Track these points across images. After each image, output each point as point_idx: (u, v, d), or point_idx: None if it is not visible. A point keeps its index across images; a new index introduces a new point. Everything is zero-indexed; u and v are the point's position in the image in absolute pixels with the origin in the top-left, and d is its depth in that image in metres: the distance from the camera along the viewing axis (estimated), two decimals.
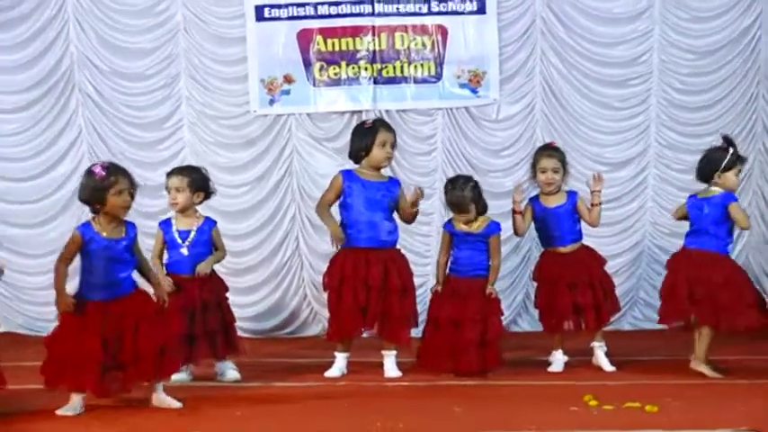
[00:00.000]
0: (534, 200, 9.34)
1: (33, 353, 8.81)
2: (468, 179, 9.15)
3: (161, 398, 7.86)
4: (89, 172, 7.74)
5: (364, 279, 8.90)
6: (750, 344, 10.18)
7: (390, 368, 8.99)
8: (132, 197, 7.82)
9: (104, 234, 7.66)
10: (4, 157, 11.08)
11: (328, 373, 8.94)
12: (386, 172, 9.24)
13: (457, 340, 8.88)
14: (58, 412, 7.59)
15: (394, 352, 9.02)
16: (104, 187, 7.61)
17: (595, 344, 9.23)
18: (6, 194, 10.98)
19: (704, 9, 11.26)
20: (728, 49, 11.26)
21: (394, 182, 9.24)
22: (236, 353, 9.02)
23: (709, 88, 11.31)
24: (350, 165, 9.22)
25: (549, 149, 9.45)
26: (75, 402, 7.66)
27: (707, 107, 11.31)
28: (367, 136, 9.06)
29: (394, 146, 9.16)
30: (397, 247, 9.14)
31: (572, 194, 9.32)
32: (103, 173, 7.66)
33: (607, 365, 9.13)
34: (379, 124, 9.23)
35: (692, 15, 11.26)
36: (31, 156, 11.14)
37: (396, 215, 9.10)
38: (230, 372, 8.92)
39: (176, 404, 7.81)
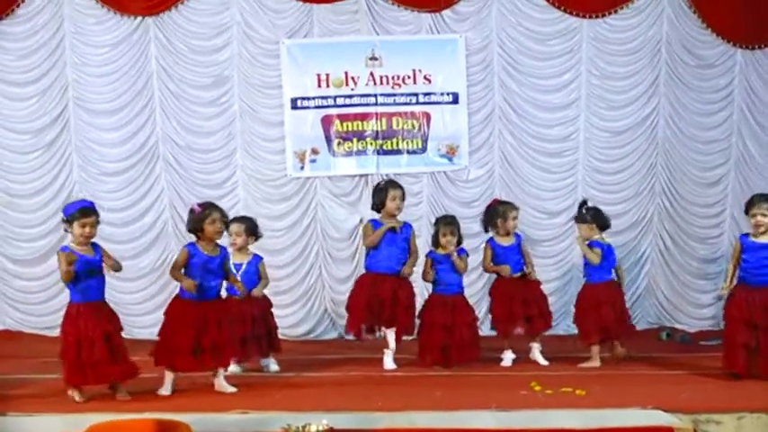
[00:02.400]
0: (492, 240, 9.44)
1: (133, 351, 8.91)
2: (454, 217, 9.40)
3: (221, 383, 7.97)
4: (190, 210, 8.03)
5: (380, 295, 9.01)
6: (658, 344, 10.36)
7: (388, 362, 9.08)
8: (225, 225, 8.14)
9: (205, 252, 7.81)
10: (106, 208, 10.78)
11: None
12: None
13: (450, 341, 8.98)
14: (159, 391, 7.77)
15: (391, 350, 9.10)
16: (201, 219, 7.83)
17: (534, 344, 9.31)
18: (109, 236, 10.74)
19: (617, 101, 11.30)
20: (634, 129, 11.33)
21: (407, 226, 9.29)
22: (278, 351, 9.14)
23: (620, 158, 11.36)
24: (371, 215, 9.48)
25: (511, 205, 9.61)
26: (167, 382, 7.80)
27: (619, 172, 11.37)
28: (381, 193, 9.20)
29: (403, 198, 9.23)
30: None
31: (518, 236, 9.47)
32: (199, 208, 7.88)
33: (542, 360, 9.21)
34: (389, 184, 9.30)
35: (608, 105, 11.30)
36: (126, 207, 11.06)
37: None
38: (272, 365, 9.04)
39: (232, 389, 7.90)
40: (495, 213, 9.45)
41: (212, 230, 7.88)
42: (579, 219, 9.39)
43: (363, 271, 9.32)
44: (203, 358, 7.84)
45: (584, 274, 9.41)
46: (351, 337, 9.38)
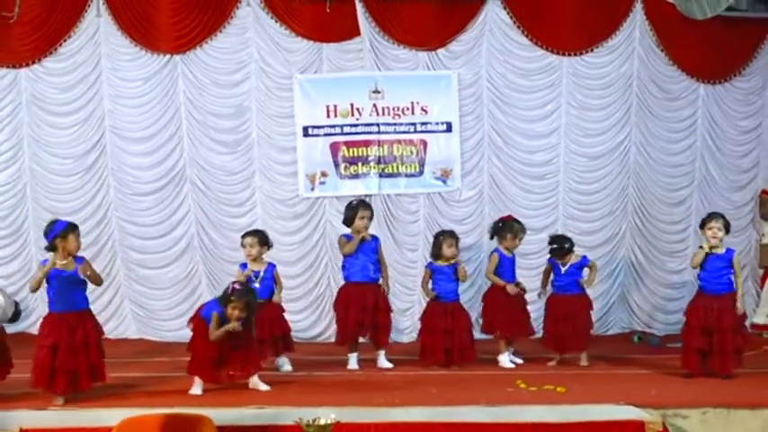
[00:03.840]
0: (499, 251, 9.51)
1: (162, 353, 8.93)
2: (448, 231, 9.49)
3: (256, 382, 7.99)
4: (225, 290, 7.98)
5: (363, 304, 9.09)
6: (630, 346, 10.35)
7: (382, 361, 9.13)
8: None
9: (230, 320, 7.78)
10: (139, 224, 10.90)
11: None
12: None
13: (451, 344, 9.00)
14: (190, 391, 7.76)
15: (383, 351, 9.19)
16: (228, 299, 7.82)
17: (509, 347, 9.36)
18: (141, 248, 10.89)
19: (593, 129, 11.22)
20: (609, 155, 11.28)
21: (376, 238, 9.42)
22: (291, 351, 9.12)
23: (596, 180, 11.30)
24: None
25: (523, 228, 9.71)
26: (198, 384, 7.78)
27: (595, 193, 11.29)
28: (352, 211, 9.34)
29: (371, 218, 9.40)
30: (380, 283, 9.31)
31: (513, 253, 9.57)
32: (231, 289, 7.88)
33: (517, 360, 9.28)
34: (360, 204, 9.46)
35: (585, 133, 11.22)
36: (156, 223, 10.97)
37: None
38: (286, 365, 9.03)
39: (265, 387, 7.93)
40: (510, 228, 9.55)
41: (233, 315, 7.81)
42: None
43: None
44: (231, 370, 7.85)
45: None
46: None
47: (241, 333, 7.81)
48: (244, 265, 9.00)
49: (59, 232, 7.50)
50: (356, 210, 9.28)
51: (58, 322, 7.43)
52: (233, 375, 7.91)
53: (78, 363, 7.38)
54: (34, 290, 7.67)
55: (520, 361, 9.23)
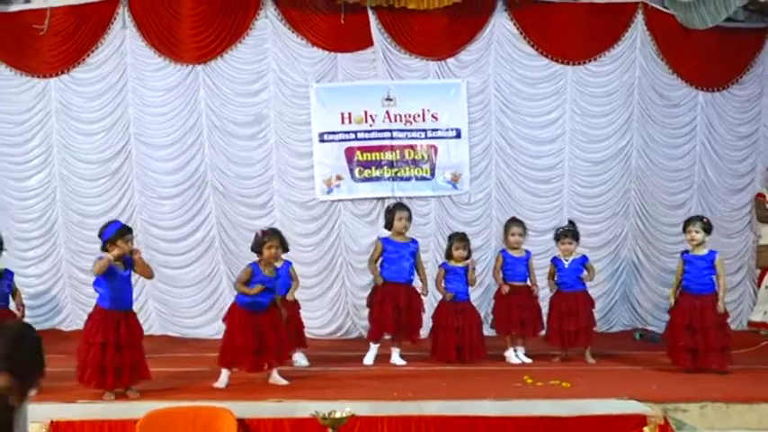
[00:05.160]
0: (504, 251, 9.51)
1: (185, 348, 8.95)
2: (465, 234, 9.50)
3: (276, 377, 7.98)
4: (255, 234, 8.06)
5: (397, 303, 9.05)
6: (632, 343, 10.35)
7: (396, 358, 9.10)
8: (284, 250, 8.18)
9: (265, 272, 7.83)
10: (163, 226, 10.94)
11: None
12: None
13: (462, 341, 9.02)
14: (214, 385, 7.75)
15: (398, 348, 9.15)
16: (261, 243, 7.85)
17: (519, 347, 9.34)
18: (164, 249, 10.90)
19: (596, 135, 11.28)
20: (611, 159, 11.33)
21: (414, 241, 9.40)
22: (304, 347, 9.11)
23: (599, 184, 11.35)
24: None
25: (516, 221, 9.69)
26: (224, 377, 7.80)
27: (598, 196, 11.35)
28: (390, 214, 9.32)
29: (409, 219, 9.33)
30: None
31: (527, 252, 9.55)
32: (260, 234, 7.93)
33: (525, 359, 9.24)
34: (397, 207, 9.45)
35: (588, 139, 11.28)
36: (179, 226, 11.00)
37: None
38: (302, 361, 9.04)
39: (285, 381, 7.92)
40: (505, 228, 9.67)
41: (268, 255, 7.91)
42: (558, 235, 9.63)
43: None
44: (265, 359, 7.87)
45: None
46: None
47: (277, 322, 7.91)
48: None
49: (112, 235, 7.47)
50: (393, 212, 9.31)
51: (106, 320, 7.40)
52: (270, 364, 7.92)
53: (124, 360, 7.36)
54: (98, 274, 7.47)
55: (529, 361, 9.20)
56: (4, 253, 8.86)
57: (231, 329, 7.91)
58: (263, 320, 7.85)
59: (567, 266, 9.35)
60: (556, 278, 9.44)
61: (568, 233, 9.45)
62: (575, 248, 9.43)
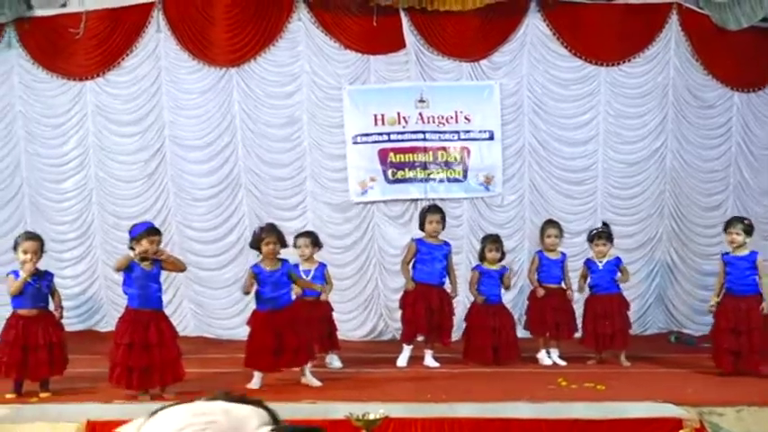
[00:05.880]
0: (540, 252, 9.51)
1: (219, 350, 8.97)
2: (493, 236, 9.49)
3: (309, 378, 8.01)
4: (253, 232, 8.21)
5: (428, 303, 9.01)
6: (668, 346, 10.26)
7: (429, 360, 9.07)
8: (281, 245, 8.11)
9: (267, 269, 7.85)
10: (197, 228, 11.02)
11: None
12: None
13: (498, 342, 9.01)
14: (248, 386, 7.80)
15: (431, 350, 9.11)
16: (259, 240, 7.91)
17: (553, 349, 9.30)
18: (198, 251, 10.96)
19: (630, 137, 11.19)
20: (646, 161, 11.23)
21: (447, 244, 9.37)
22: (337, 349, 9.12)
23: (634, 186, 11.25)
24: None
25: (553, 222, 9.66)
26: (257, 379, 7.84)
27: (633, 198, 11.25)
28: (423, 217, 9.31)
29: (441, 221, 9.29)
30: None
31: (563, 254, 9.54)
32: (258, 231, 8.06)
33: (559, 362, 9.19)
34: (429, 209, 9.44)
35: (622, 140, 11.19)
36: (213, 228, 11.04)
37: None
38: (336, 362, 9.09)
39: (317, 383, 7.95)
40: (541, 230, 9.65)
41: (266, 251, 7.98)
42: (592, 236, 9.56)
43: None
44: (284, 359, 7.87)
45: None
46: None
47: (296, 325, 7.90)
48: (297, 266, 8.94)
49: (139, 233, 7.58)
50: (425, 215, 9.32)
51: (134, 320, 7.50)
52: (288, 363, 7.94)
53: (153, 360, 7.41)
54: (118, 270, 7.72)
55: (563, 363, 9.15)
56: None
57: (251, 331, 8.03)
58: (282, 320, 7.88)
59: (600, 268, 9.29)
60: (589, 280, 9.38)
61: (602, 234, 9.40)
62: (608, 250, 9.38)
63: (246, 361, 7.96)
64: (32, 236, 8.02)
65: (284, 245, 8.27)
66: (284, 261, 8.12)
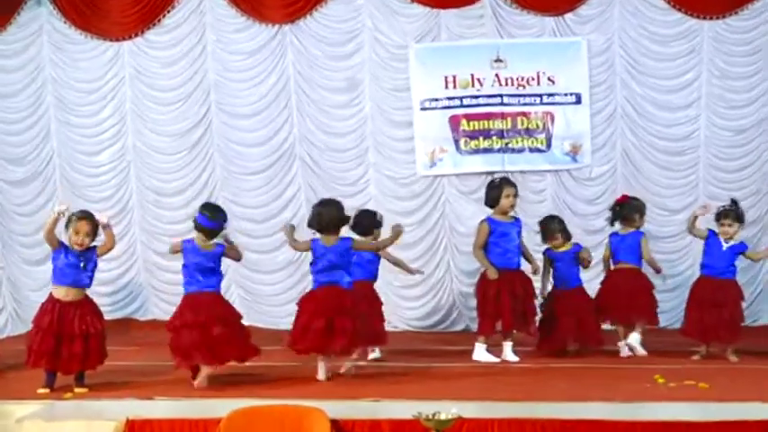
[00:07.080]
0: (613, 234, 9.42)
1: (269, 341, 9.02)
2: (554, 216, 9.45)
3: (348, 368, 8.08)
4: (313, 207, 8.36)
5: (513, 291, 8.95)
6: None
7: (509, 353, 8.99)
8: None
9: (326, 244, 7.89)
10: (247, 204, 11.18)
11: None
12: None
13: (577, 330, 9.01)
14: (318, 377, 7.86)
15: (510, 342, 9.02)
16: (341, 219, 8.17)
17: (634, 334, 9.17)
18: (249, 231, 11.05)
19: (737, 100, 11.03)
20: (755, 128, 11.06)
21: (518, 219, 9.24)
22: (384, 344, 9.09)
23: (741, 156, 11.10)
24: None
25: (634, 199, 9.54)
26: (321, 371, 7.89)
27: (740, 170, 11.10)
28: (495, 190, 9.11)
29: (516, 196, 9.19)
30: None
31: (639, 232, 9.38)
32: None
33: (640, 350, 9.10)
34: (504, 182, 9.23)
35: (728, 104, 11.05)
36: (265, 204, 11.24)
37: None
38: (374, 353, 9.05)
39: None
40: (634, 209, 9.40)
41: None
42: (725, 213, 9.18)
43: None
44: (340, 341, 7.87)
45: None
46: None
47: (346, 306, 7.91)
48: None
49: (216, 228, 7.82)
50: (500, 188, 9.03)
51: (191, 303, 7.75)
52: (343, 347, 7.91)
53: (213, 337, 7.63)
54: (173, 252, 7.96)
55: (643, 352, 9.07)
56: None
57: (299, 309, 8.09)
58: (334, 303, 7.87)
59: (725, 248, 9.05)
60: (702, 259, 9.17)
61: (729, 213, 9.09)
62: (735, 232, 9.08)
63: (297, 346, 7.99)
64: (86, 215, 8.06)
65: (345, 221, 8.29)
66: (342, 237, 8.16)
